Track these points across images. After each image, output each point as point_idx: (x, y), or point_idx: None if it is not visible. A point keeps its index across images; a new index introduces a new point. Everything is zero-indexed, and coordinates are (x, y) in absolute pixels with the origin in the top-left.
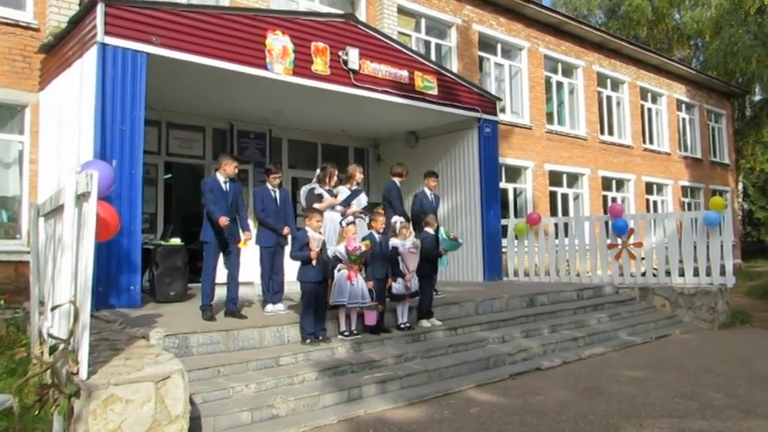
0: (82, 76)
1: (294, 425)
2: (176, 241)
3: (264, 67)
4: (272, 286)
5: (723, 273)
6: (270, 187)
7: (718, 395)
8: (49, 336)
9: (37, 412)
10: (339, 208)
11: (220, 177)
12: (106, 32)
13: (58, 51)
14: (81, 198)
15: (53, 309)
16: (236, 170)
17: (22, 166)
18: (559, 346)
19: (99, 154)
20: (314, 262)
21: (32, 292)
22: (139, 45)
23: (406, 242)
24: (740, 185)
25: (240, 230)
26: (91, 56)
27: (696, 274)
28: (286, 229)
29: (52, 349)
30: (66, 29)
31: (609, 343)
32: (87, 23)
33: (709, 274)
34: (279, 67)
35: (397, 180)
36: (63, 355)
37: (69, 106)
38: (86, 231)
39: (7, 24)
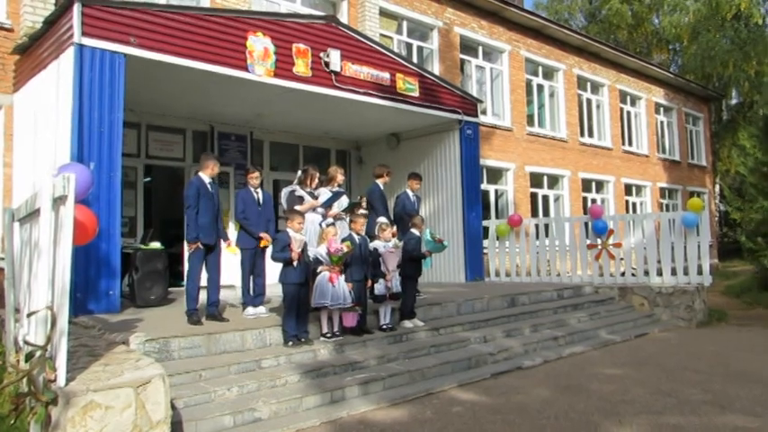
0: (58, 77)
1: (277, 428)
2: (156, 245)
3: (245, 68)
4: (253, 289)
5: (700, 272)
6: (252, 189)
7: (695, 391)
8: (26, 343)
9: (13, 422)
10: (320, 210)
11: (205, 178)
12: (83, 33)
13: (33, 52)
14: (58, 201)
15: (29, 315)
16: (218, 170)
17: None
18: (540, 345)
19: (76, 156)
20: (295, 263)
21: (7, 298)
22: (118, 46)
23: (388, 243)
24: (717, 187)
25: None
26: (67, 57)
27: (674, 273)
28: (263, 235)
29: (28, 356)
30: (42, 29)
31: (589, 342)
32: (63, 24)
33: (686, 273)
34: (260, 69)
35: (379, 182)
36: (40, 362)
37: (45, 108)
38: (63, 235)
39: None
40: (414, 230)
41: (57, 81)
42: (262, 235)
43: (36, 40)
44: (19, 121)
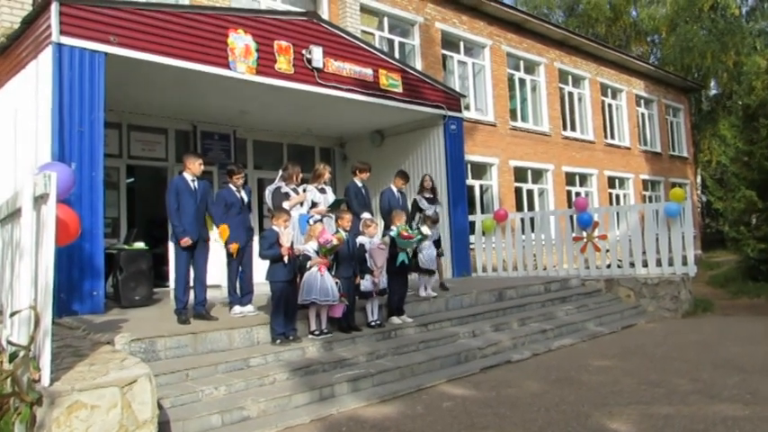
0: (37, 77)
1: (265, 426)
2: (140, 245)
3: (227, 66)
4: (241, 287)
5: (685, 263)
6: (233, 188)
7: (683, 381)
8: (9, 343)
9: None
10: (306, 207)
11: (188, 176)
12: (62, 32)
13: (11, 53)
14: (39, 200)
15: (12, 315)
16: (202, 167)
17: None
18: (529, 338)
19: (57, 156)
20: (285, 258)
21: None
22: (97, 45)
23: (373, 239)
24: (699, 178)
25: (210, 231)
26: (46, 56)
27: (659, 264)
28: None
29: (12, 357)
30: (20, 29)
31: (577, 334)
32: (41, 23)
33: (671, 264)
34: (242, 67)
35: (356, 179)
36: (23, 362)
37: (25, 108)
38: (46, 234)
39: None
40: (393, 227)
41: (36, 81)
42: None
43: (14, 40)
44: None
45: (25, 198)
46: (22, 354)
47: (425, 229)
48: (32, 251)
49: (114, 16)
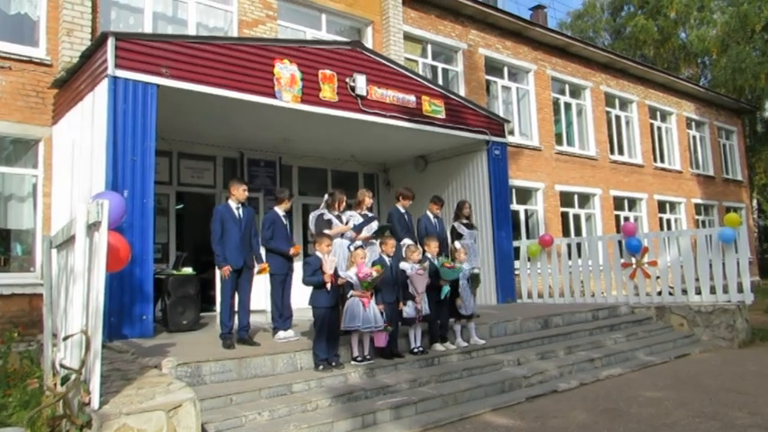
0: (93, 108)
1: None
2: (188, 270)
3: (273, 95)
4: (282, 312)
5: (741, 290)
6: (280, 213)
7: (741, 414)
8: (62, 366)
9: None
10: (350, 234)
11: (232, 204)
12: (117, 65)
13: (70, 86)
14: (92, 227)
15: (65, 338)
16: (246, 193)
17: (36, 200)
18: (576, 367)
19: (111, 185)
20: (329, 285)
21: (45, 323)
22: (150, 77)
23: (415, 265)
24: (755, 202)
25: (254, 259)
26: (102, 89)
27: (713, 291)
28: (292, 249)
29: (64, 380)
30: (78, 63)
31: (626, 363)
32: (98, 57)
33: (726, 291)
34: (287, 95)
35: (399, 205)
36: (75, 385)
37: (82, 139)
38: (97, 260)
39: (21, 61)
40: (428, 254)
41: (92, 112)
42: (293, 251)
43: (73, 73)
44: (57, 151)
45: (79, 225)
46: (73, 377)
47: (465, 266)
48: (85, 276)
49: (166, 49)
